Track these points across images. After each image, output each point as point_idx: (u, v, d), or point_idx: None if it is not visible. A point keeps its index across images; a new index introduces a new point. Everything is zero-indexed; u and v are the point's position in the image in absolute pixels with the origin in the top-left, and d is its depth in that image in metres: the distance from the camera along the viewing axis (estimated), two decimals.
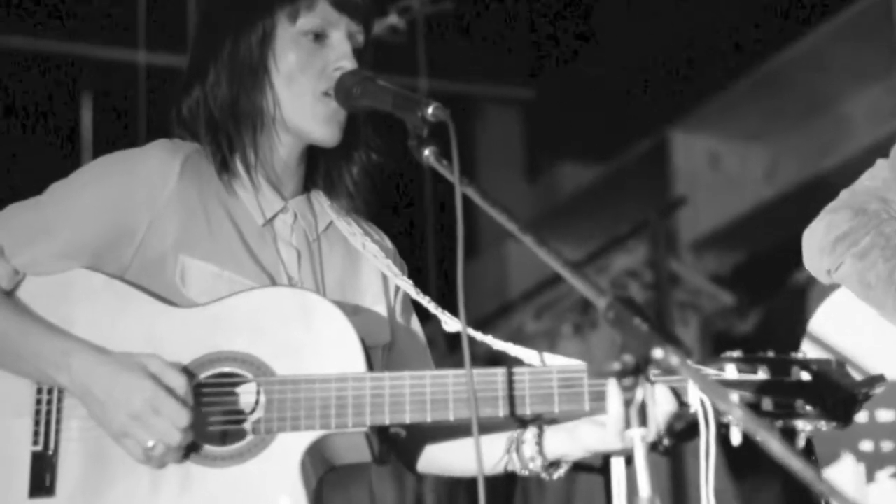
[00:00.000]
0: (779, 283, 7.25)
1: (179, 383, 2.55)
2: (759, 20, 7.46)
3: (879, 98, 7.34)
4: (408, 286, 2.87)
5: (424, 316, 2.94)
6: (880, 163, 3.23)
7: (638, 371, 1.97)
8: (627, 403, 1.98)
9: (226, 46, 2.82)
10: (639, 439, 1.97)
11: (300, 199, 2.90)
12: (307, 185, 2.94)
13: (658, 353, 1.93)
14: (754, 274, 7.75)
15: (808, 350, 3.04)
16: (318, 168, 2.95)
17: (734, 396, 2.46)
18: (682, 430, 2.55)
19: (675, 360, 1.92)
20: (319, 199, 2.95)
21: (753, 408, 2.47)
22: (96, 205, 2.72)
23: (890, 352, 3.02)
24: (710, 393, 2.18)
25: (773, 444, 1.83)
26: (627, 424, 1.98)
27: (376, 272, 2.93)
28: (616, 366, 1.98)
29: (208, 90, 2.82)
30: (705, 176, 8.02)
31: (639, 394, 1.98)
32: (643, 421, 1.97)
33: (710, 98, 7.78)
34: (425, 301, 2.83)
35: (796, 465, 1.82)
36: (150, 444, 2.52)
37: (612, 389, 2.45)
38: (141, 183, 2.73)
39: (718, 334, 7.44)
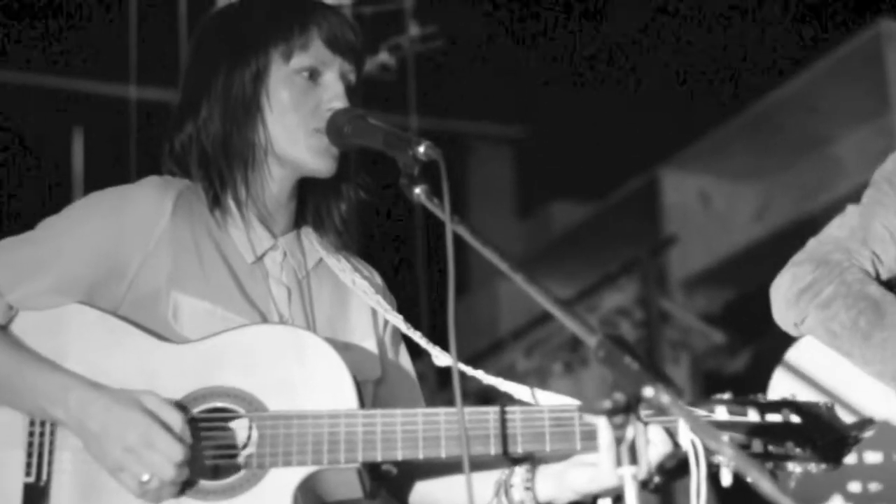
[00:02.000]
0: (769, 322, 7.25)
1: (176, 420, 2.54)
2: (751, 60, 7.50)
3: (869, 138, 7.36)
4: (398, 321, 2.87)
5: (415, 352, 2.94)
6: (850, 209, 3.24)
7: (629, 409, 1.97)
8: (618, 441, 1.98)
9: (218, 82, 2.82)
10: (629, 477, 1.97)
11: (290, 237, 2.90)
12: (297, 222, 2.94)
13: (649, 391, 1.93)
14: (745, 312, 7.74)
15: (779, 379, 3.06)
16: (307, 205, 2.95)
17: (724, 437, 2.46)
18: (673, 469, 2.54)
19: (665, 398, 1.92)
20: (309, 235, 2.95)
21: (744, 449, 2.47)
22: (88, 242, 2.72)
23: (867, 387, 3.03)
24: (701, 432, 2.18)
25: (764, 484, 1.83)
26: (618, 463, 1.98)
27: (366, 308, 2.92)
28: (607, 404, 1.98)
29: (200, 125, 2.82)
30: (696, 214, 8.04)
31: (629, 432, 1.98)
32: (633, 459, 1.97)
33: (700, 137, 7.81)
34: (416, 336, 2.83)
35: None
36: (145, 477, 2.51)
37: (603, 427, 2.45)
38: (133, 221, 2.73)
39: (709, 373, 7.44)
